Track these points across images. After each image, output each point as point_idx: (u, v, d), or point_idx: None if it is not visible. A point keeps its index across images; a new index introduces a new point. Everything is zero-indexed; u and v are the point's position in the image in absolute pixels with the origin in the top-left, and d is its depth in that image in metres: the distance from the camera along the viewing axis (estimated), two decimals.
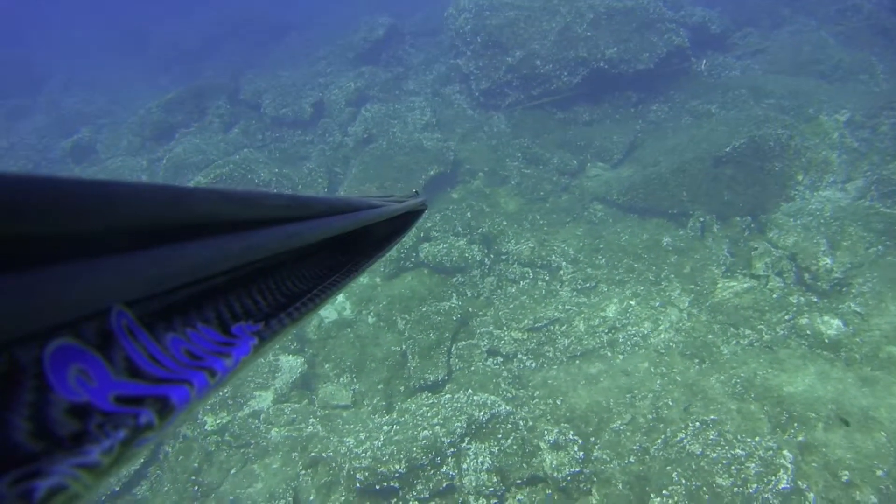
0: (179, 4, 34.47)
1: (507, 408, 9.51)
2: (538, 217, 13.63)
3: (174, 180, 14.58)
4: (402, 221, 1.73)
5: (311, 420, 10.62)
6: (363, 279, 12.64)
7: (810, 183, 12.67)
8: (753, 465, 7.75)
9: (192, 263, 0.75)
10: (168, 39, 29.32)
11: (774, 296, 10.68)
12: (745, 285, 10.98)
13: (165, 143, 17.77)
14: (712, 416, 8.63)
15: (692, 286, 11.31)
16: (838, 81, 16.34)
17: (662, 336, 10.56)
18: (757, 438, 8.16)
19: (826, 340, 9.78)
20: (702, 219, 12.65)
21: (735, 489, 7.61)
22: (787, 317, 10.30)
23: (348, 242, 1.41)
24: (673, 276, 11.60)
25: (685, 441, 8.37)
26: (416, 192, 2.27)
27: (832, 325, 9.90)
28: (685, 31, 16.58)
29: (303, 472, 9.88)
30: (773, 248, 11.30)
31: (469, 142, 15.91)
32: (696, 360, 10.06)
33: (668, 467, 8.19)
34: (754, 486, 7.58)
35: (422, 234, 12.96)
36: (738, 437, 8.21)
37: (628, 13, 16.29)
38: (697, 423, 8.56)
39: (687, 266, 11.71)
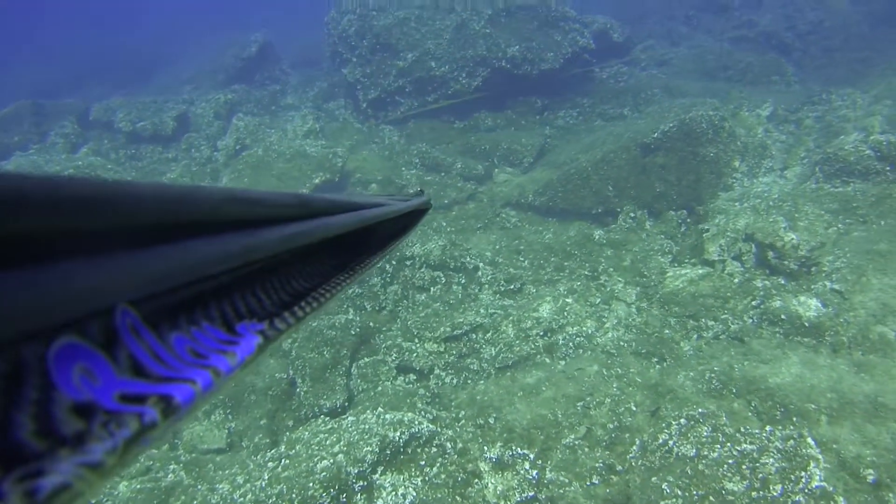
0: (40, 42, 31.52)
1: (430, 426, 7.34)
2: (444, 224, 11.69)
3: None
4: (407, 220, 1.71)
5: (171, 467, 8.08)
6: None
7: (748, 169, 11.28)
8: (772, 460, 5.81)
9: (196, 262, 0.73)
10: (24, 78, 26.11)
11: (735, 281, 9.01)
12: (700, 272, 9.29)
13: None
14: (700, 410, 6.71)
15: (637, 278, 9.54)
16: (750, 84, 15.38)
17: (610, 335, 8.68)
18: (768, 428, 6.27)
19: (805, 325, 8.13)
20: (632, 215, 11.02)
21: (753, 493, 5.63)
22: (754, 302, 8.63)
23: (353, 241, 1.35)
24: (612, 269, 9.81)
25: (671, 443, 6.39)
26: (420, 190, 2.20)
27: (810, 307, 8.28)
28: (589, 33, 15.32)
29: None
30: (726, 229, 9.69)
31: (359, 152, 13.90)
32: (655, 359, 8.21)
33: (654, 478, 6.16)
34: (778, 486, 5.63)
35: None
36: (742, 429, 6.29)
37: (529, 10, 14.90)
38: (683, 421, 6.61)
39: (626, 259, 9.96)
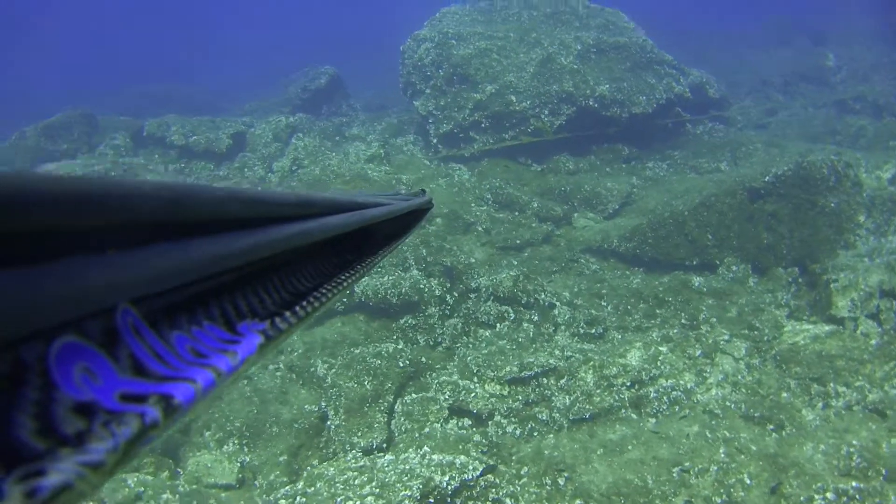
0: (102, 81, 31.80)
1: (489, 476, 5.81)
2: (515, 263, 10.29)
3: None
4: (408, 220, 1.70)
5: (165, 496, 6.64)
6: None
7: (875, 227, 9.68)
8: None
9: (198, 261, 0.73)
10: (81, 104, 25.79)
11: (872, 342, 7.37)
12: (826, 329, 7.67)
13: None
14: (854, 483, 5.07)
15: (746, 331, 7.96)
16: (864, 150, 13.80)
17: (714, 392, 7.08)
18: None
19: None
20: (733, 268, 9.47)
21: None
22: None
23: (354, 240, 1.35)
24: (715, 320, 8.24)
25: None
26: (422, 190, 2.08)
27: None
28: (685, 82, 14.04)
29: None
30: (857, 283, 8.06)
31: (425, 184, 12.68)
32: (771, 426, 6.57)
33: None
34: None
35: None
36: None
37: (621, 50, 13.71)
38: (830, 495, 4.98)
39: (732, 310, 8.40)
